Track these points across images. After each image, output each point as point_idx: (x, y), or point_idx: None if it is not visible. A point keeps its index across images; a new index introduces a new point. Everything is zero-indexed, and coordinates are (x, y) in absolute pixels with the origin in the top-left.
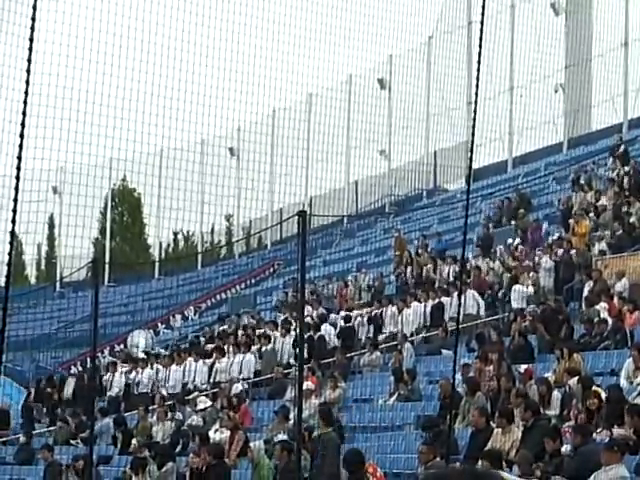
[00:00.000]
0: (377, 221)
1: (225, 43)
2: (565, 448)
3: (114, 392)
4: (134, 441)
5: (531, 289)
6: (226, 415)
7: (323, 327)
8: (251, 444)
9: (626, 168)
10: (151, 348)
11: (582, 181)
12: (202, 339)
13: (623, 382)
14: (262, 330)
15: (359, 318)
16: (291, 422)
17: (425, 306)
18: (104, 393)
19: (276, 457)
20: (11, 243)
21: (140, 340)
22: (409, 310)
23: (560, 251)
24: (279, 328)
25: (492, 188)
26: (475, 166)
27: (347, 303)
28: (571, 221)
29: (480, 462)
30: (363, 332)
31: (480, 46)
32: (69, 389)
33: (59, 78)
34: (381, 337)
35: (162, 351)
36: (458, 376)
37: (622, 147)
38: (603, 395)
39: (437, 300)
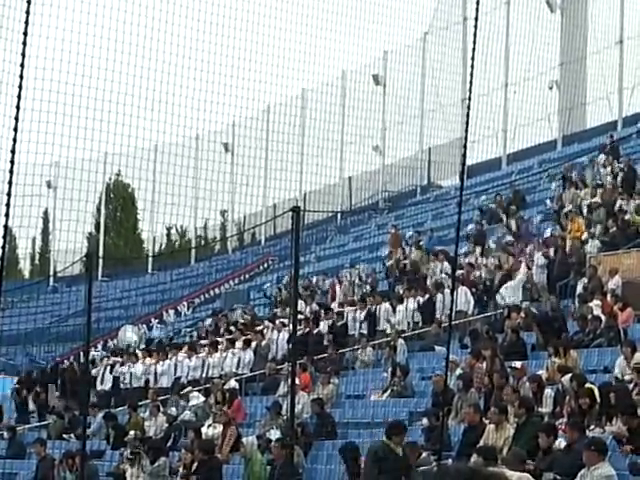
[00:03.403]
0: (371, 217)
1: (219, 39)
2: (559, 442)
3: (107, 386)
4: (132, 432)
5: (522, 276)
6: (219, 410)
7: (321, 324)
8: (243, 439)
9: (620, 165)
10: (144, 343)
11: (573, 178)
12: (195, 334)
13: (617, 373)
14: (255, 325)
15: (352, 314)
16: (283, 417)
17: (416, 302)
18: (94, 387)
19: (274, 455)
20: (4, 237)
21: (132, 335)
22: (402, 306)
23: (553, 248)
24: (272, 323)
25: (486, 185)
26: (469, 162)
27: (340, 299)
28: (565, 218)
29: (474, 458)
30: (356, 328)
31: (475, 42)
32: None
33: (53, 72)
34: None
35: (154, 346)
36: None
37: (612, 145)
38: (596, 392)
39: (429, 296)
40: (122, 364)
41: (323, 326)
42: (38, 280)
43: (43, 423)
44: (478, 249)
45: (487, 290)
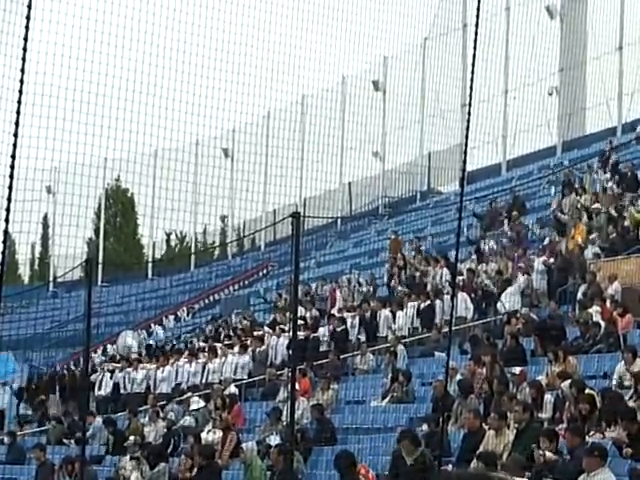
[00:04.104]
0: (371, 223)
1: (219, 44)
2: (551, 451)
3: (106, 392)
4: (131, 438)
5: (521, 282)
6: (218, 416)
7: (321, 330)
8: (243, 445)
9: (622, 170)
10: (144, 348)
11: (575, 184)
12: (195, 340)
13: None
14: (255, 331)
15: (351, 320)
16: (283, 423)
17: (416, 308)
18: (93, 392)
19: (272, 461)
20: (4, 242)
21: (132, 341)
22: (401, 312)
23: (553, 254)
24: (272, 329)
25: (486, 191)
26: (469, 168)
27: (340, 305)
28: (565, 224)
29: (474, 464)
30: (354, 334)
31: (475, 48)
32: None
33: (53, 77)
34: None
35: (154, 351)
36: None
37: (611, 153)
38: (596, 398)
39: (429, 302)
40: (122, 369)
41: (323, 332)
42: (38, 285)
43: (43, 428)
44: (478, 255)
45: (486, 296)
